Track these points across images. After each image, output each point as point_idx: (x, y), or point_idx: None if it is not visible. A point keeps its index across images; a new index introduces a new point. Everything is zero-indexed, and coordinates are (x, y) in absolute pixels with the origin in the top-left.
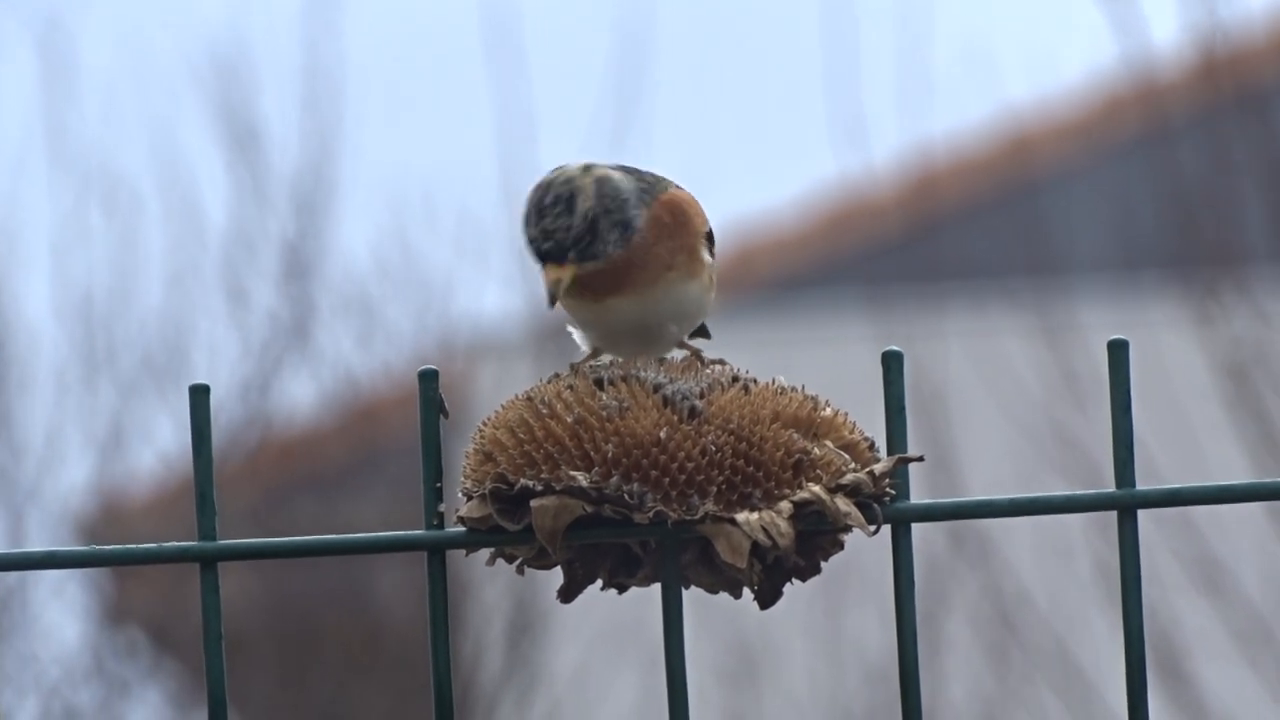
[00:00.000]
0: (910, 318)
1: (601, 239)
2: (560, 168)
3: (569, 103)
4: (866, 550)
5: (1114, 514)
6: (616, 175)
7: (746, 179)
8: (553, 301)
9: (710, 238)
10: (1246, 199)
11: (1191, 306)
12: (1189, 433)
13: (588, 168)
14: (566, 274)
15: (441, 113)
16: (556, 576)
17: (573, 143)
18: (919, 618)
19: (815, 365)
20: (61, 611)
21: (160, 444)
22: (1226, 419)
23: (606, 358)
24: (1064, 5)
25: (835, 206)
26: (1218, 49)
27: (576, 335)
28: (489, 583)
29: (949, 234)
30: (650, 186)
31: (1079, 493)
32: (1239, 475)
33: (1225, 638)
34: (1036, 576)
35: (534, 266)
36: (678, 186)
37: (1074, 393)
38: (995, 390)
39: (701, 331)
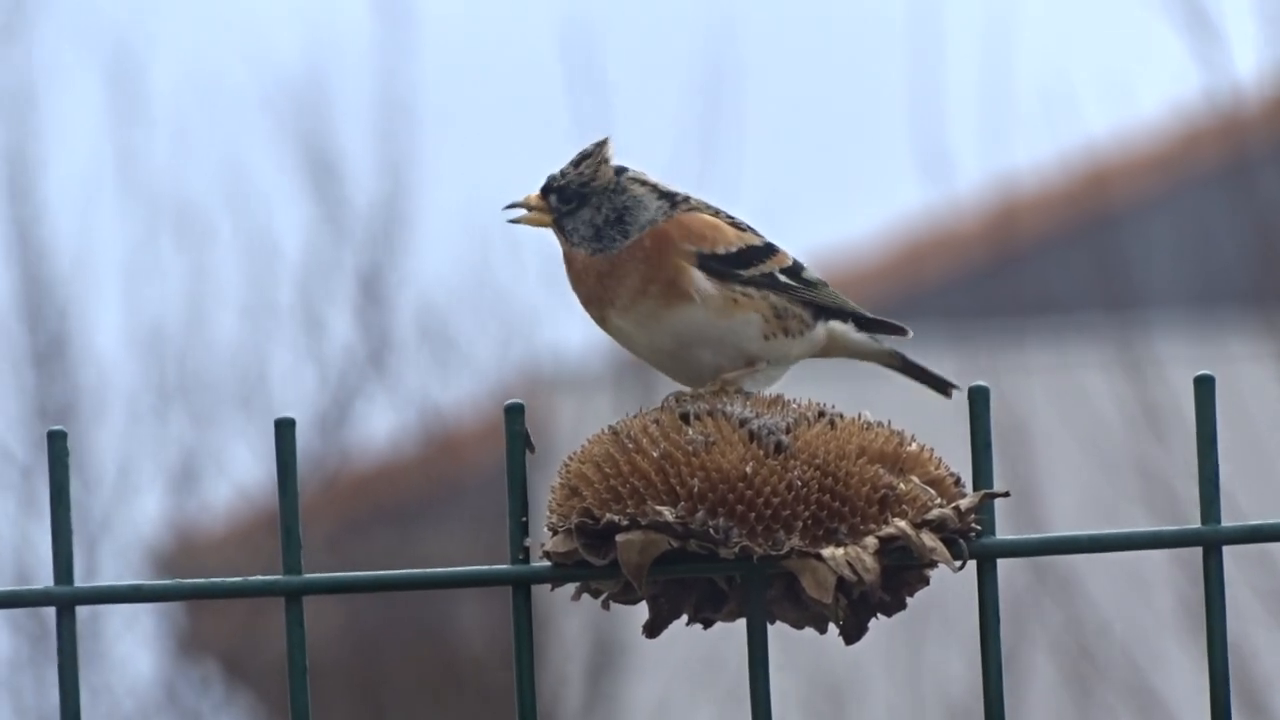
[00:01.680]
0: (992, 351)
1: (578, 220)
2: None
3: (652, 132)
4: (949, 585)
5: (1195, 552)
6: (642, 190)
7: (829, 210)
8: (509, 209)
9: (732, 258)
10: None
11: (1273, 340)
12: (1269, 468)
13: (624, 169)
14: (536, 215)
15: (522, 141)
16: (640, 611)
17: (655, 172)
18: (1002, 652)
19: (895, 399)
20: (135, 643)
21: (235, 476)
22: None
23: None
24: (1145, 37)
25: (917, 239)
26: None
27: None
28: (569, 617)
29: (1030, 267)
30: (669, 210)
31: (1164, 529)
32: None
33: None
34: (1117, 610)
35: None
36: (710, 210)
37: (1154, 426)
38: (1075, 424)
39: (928, 379)
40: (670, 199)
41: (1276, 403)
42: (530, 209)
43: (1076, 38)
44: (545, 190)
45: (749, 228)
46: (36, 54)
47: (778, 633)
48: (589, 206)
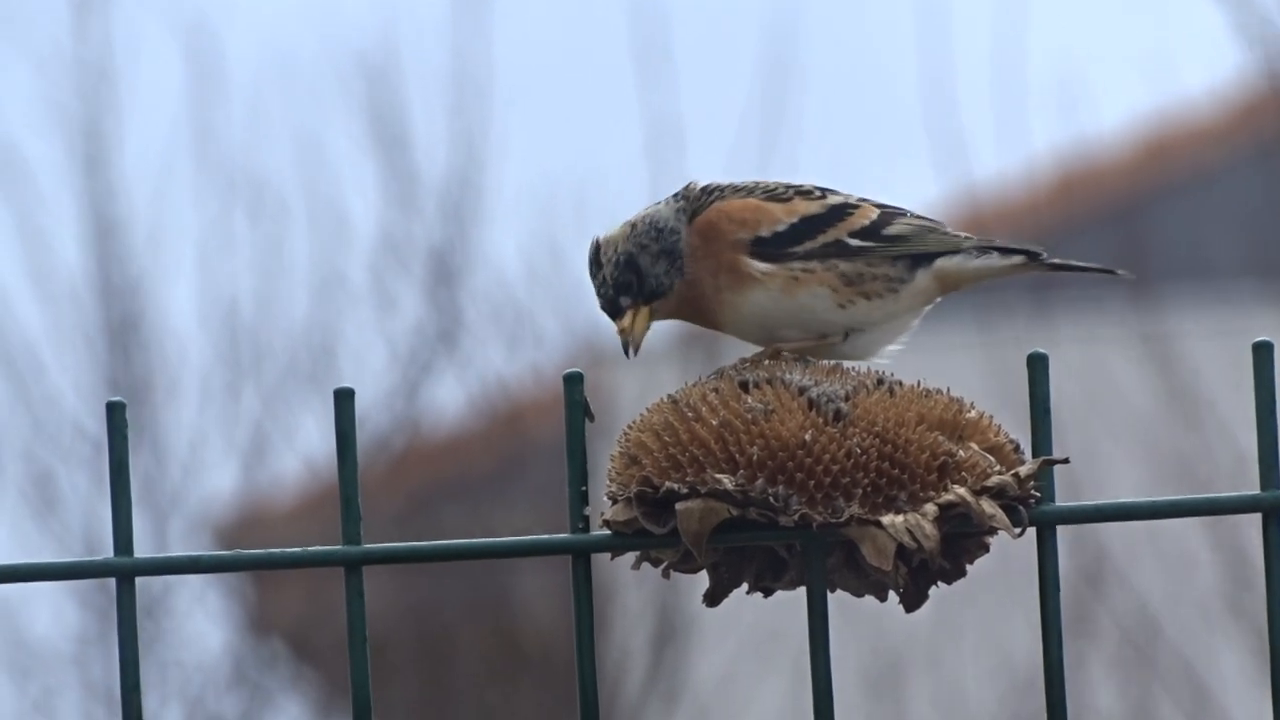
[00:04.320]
0: (1026, 327)
1: (648, 273)
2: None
3: (718, 110)
4: (1017, 556)
5: (1235, 530)
6: (653, 209)
7: (875, 186)
8: (627, 350)
9: (796, 230)
10: None
11: None
12: None
13: (627, 222)
14: (633, 320)
15: (592, 118)
16: (702, 582)
17: (721, 149)
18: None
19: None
20: (204, 619)
21: (305, 451)
22: None
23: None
24: (1185, 13)
25: (960, 212)
26: None
27: None
28: (634, 589)
29: (1064, 245)
30: (692, 207)
31: (1222, 495)
32: None
33: None
34: (1162, 598)
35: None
36: (735, 195)
37: (1185, 405)
38: (1104, 399)
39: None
40: (683, 195)
41: None
42: (631, 327)
43: (1105, 17)
44: (613, 308)
45: (816, 191)
46: (114, 28)
47: (841, 603)
48: (643, 259)
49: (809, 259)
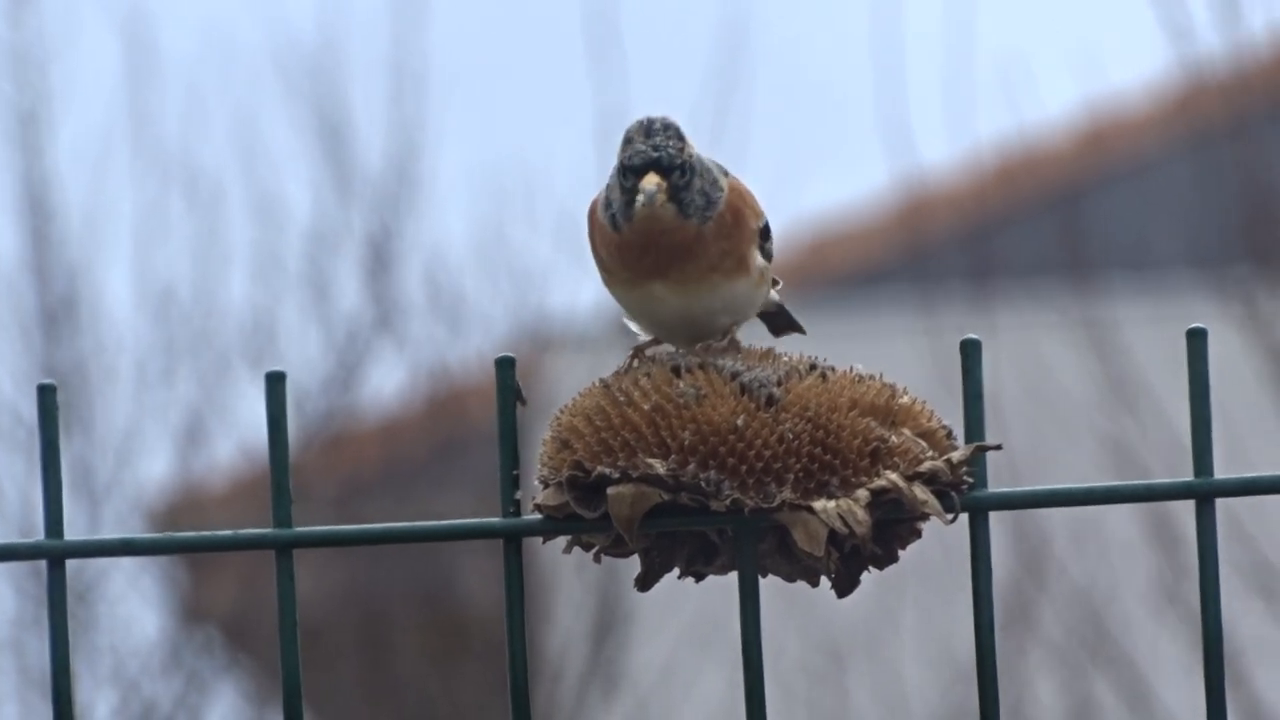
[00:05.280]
0: (966, 314)
1: (693, 191)
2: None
3: (668, 98)
4: (958, 546)
5: (1171, 520)
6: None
7: (828, 175)
8: (644, 202)
9: (766, 230)
10: None
11: (1242, 303)
12: (1234, 431)
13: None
14: (663, 194)
15: (542, 106)
16: (639, 568)
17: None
18: (1002, 615)
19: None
20: (138, 605)
21: (240, 437)
22: (1276, 417)
23: (668, 346)
24: (1118, 7)
25: (905, 199)
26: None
27: (633, 326)
28: (575, 578)
29: (1005, 233)
30: (722, 170)
31: (1157, 482)
32: None
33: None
34: (1102, 585)
35: (626, 184)
36: (733, 175)
37: (1124, 392)
38: (1043, 387)
39: (793, 325)
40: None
41: (1241, 365)
42: (662, 197)
43: (1043, 10)
44: (665, 169)
45: None
46: (50, 14)
47: (782, 595)
48: (697, 176)
49: (767, 258)
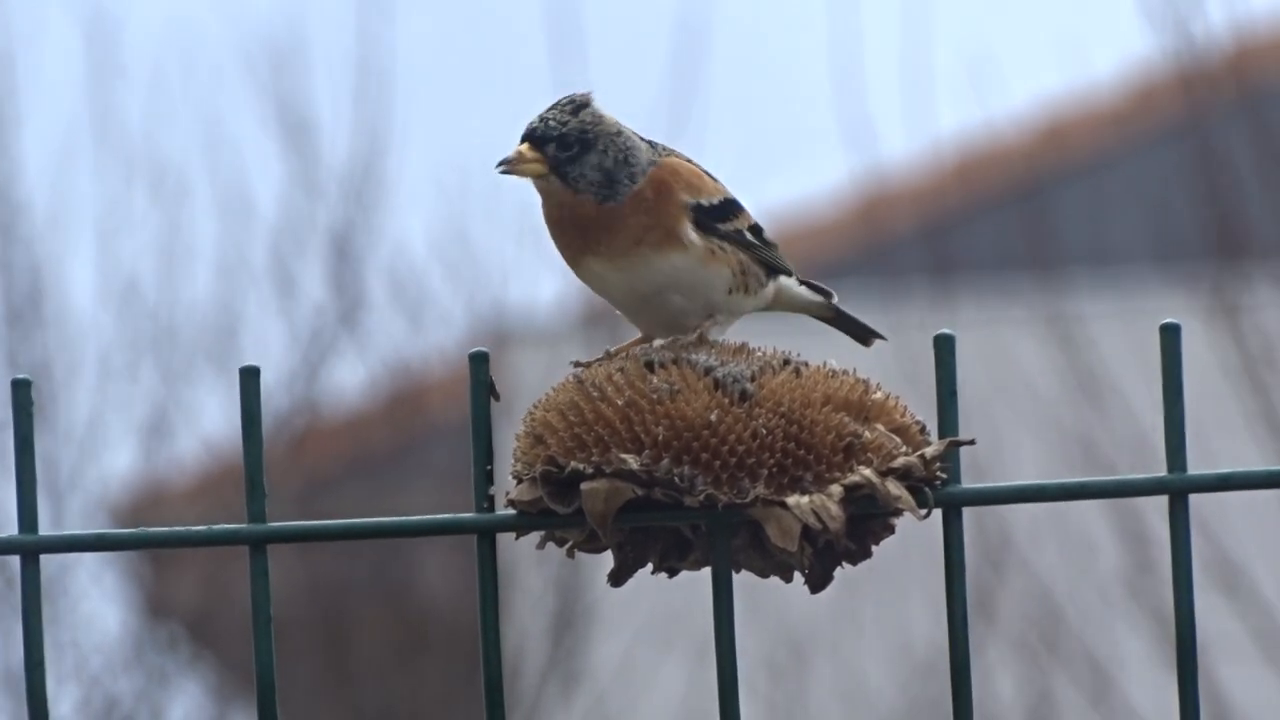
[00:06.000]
0: (929, 310)
1: (584, 166)
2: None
3: (628, 91)
4: (916, 540)
5: (1136, 515)
6: (635, 137)
7: (788, 167)
8: (502, 165)
9: (719, 210)
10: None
11: (1207, 297)
12: (1198, 425)
13: (618, 122)
14: (532, 165)
15: (504, 100)
16: (604, 564)
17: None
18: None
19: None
20: (101, 600)
21: (204, 431)
22: (1240, 413)
23: (658, 342)
24: (1080, 2)
25: (866, 193)
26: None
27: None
28: (534, 572)
29: (966, 228)
30: (655, 155)
31: (1130, 477)
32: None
33: (1242, 636)
34: (1063, 579)
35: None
36: (684, 158)
37: (1089, 388)
38: (1007, 382)
39: (866, 330)
40: (651, 145)
41: (1209, 361)
42: (526, 160)
43: (1004, 5)
44: (539, 140)
45: (721, 183)
46: (13, 10)
47: (745, 590)
48: (595, 152)
49: (724, 239)
